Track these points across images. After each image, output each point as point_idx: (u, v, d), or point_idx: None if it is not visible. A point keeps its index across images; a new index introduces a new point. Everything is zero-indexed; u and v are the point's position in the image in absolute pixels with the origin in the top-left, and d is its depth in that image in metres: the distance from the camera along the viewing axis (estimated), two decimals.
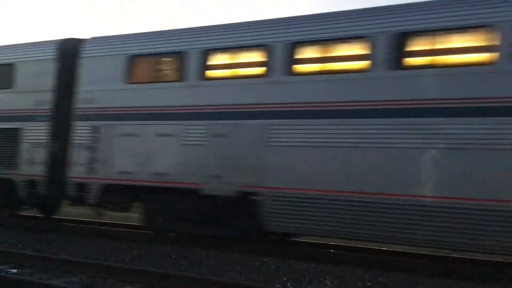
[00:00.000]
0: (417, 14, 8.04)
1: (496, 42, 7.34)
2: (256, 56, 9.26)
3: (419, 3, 8.25)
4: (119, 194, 10.24)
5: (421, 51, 8.02)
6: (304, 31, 8.83)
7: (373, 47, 8.14)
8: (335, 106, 8.31)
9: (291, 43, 8.81)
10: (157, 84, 10.05)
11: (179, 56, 9.81)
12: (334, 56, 8.66)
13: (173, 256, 8.81)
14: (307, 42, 8.75)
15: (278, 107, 8.76)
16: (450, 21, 7.70)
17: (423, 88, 7.75)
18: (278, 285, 7.08)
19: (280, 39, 8.91)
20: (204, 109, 9.38)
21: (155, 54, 10.20)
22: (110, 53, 10.62)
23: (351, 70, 8.42)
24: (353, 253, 9.26)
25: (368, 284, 7.31)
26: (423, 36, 7.93)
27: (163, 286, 6.71)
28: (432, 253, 9.28)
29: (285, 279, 7.42)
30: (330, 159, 8.21)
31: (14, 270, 7.43)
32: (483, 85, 7.33)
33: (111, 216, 12.46)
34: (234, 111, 9.11)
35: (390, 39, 8.02)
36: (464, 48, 7.75)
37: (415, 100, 7.77)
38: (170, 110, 9.69)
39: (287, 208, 8.48)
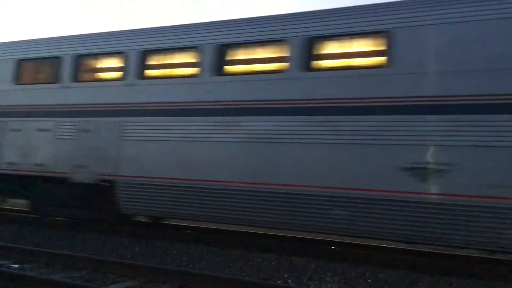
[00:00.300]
0: (232, 30, 9.60)
1: (286, 54, 8.87)
2: (115, 62, 10.69)
3: (237, 20, 9.79)
4: (9, 183, 11.40)
5: (236, 61, 9.55)
6: (152, 41, 10.28)
7: (201, 56, 9.57)
8: (171, 106, 9.75)
9: (142, 51, 10.22)
10: (38, 85, 11.36)
11: (56, 60, 11.13)
12: (172, 63, 10.21)
13: (174, 252, 8.83)
14: (153, 51, 10.20)
15: (130, 107, 10.16)
16: (255, 36, 9.32)
17: (236, 91, 9.19)
18: (279, 282, 7.09)
19: (133, 47, 10.35)
20: (74, 107, 10.75)
21: (37, 59, 11.60)
22: (2, 57, 11.95)
23: (185, 75, 9.88)
24: (354, 250, 9.27)
25: (369, 280, 7.32)
26: (237, 48, 9.49)
27: (164, 281, 6.72)
28: (434, 251, 9.28)
29: (286, 275, 7.44)
30: (166, 151, 9.64)
31: (16, 265, 7.45)
32: (277, 89, 8.82)
33: None
34: (97, 109, 10.49)
35: (214, 50, 9.50)
36: (263, 58, 9.39)
37: (230, 101, 9.22)
38: (48, 108, 11.01)
39: (135, 193, 9.92)
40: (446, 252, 9.17)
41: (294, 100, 8.64)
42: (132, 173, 9.90)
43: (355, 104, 8.20)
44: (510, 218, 7.17)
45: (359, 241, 9.79)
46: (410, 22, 8.08)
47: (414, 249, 9.39)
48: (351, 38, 8.53)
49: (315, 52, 8.73)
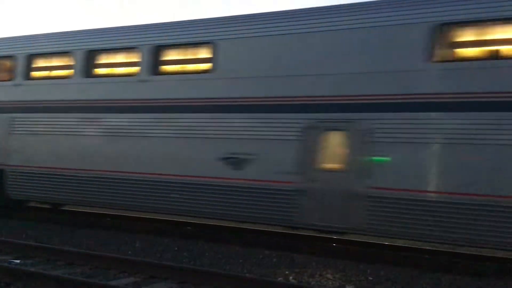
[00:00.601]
0: (98, 37, 11.11)
1: (138, 60, 10.38)
2: (8, 64, 12.01)
3: (103, 28, 11.46)
4: None
5: (102, 64, 11.12)
6: (37, 46, 11.69)
7: (75, 61, 10.99)
8: (51, 103, 11.08)
9: (28, 55, 11.60)
10: None
11: None
12: (53, 66, 11.60)
13: (175, 248, 8.83)
14: (37, 55, 11.63)
15: (18, 104, 11.52)
16: (115, 43, 10.88)
17: (101, 91, 10.64)
18: (280, 278, 7.08)
19: (21, 51, 11.73)
20: None
21: None
22: None
23: (62, 76, 11.28)
24: (355, 247, 9.27)
25: (370, 278, 7.31)
26: (102, 54, 10.98)
27: (165, 278, 6.72)
28: (435, 248, 9.27)
29: (287, 272, 7.44)
30: (46, 144, 10.98)
31: (17, 261, 7.45)
32: (131, 90, 10.29)
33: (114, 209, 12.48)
34: None
35: (83, 55, 10.87)
36: (122, 63, 10.91)
37: (96, 100, 10.64)
38: None
39: (21, 181, 11.23)
40: (447, 250, 9.16)
41: (144, 100, 10.14)
42: (19, 163, 11.30)
43: (189, 104, 9.70)
44: (296, 199, 8.60)
45: (360, 239, 9.78)
46: (229, 35, 9.66)
47: (416, 247, 9.39)
48: (187, 47, 10.17)
49: (161, 59, 10.23)
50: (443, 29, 8.02)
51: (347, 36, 8.66)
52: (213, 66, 9.60)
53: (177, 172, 9.59)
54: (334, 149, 8.58)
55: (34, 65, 11.65)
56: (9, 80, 11.83)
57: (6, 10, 43.88)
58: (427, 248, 9.31)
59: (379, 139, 8.12)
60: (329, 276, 7.31)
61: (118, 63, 10.91)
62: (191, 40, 10.02)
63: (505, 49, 7.80)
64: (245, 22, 9.73)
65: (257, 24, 9.53)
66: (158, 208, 9.98)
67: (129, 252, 8.50)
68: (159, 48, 10.19)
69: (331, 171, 8.48)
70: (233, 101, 9.32)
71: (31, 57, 11.60)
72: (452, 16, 8.02)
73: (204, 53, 9.95)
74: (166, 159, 9.73)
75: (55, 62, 11.63)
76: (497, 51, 7.84)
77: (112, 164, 10.21)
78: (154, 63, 10.18)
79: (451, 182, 7.63)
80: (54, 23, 43.03)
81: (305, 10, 9.37)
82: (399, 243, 9.51)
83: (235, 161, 9.05)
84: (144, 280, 6.66)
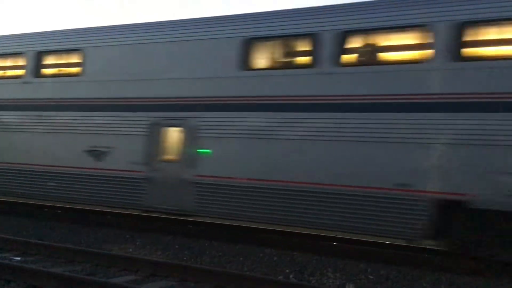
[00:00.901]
0: None
1: (24, 63, 11.83)
2: None
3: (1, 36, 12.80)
4: None
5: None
6: None
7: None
8: None
9: None
10: None
11: None
12: None
13: (176, 246, 8.84)
14: None
15: None
16: (7, 49, 12.25)
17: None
18: (280, 277, 7.09)
19: None
20: None
21: None
22: None
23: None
24: (355, 246, 9.27)
25: (371, 277, 7.32)
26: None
27: (165, 275, 6.73)
28: (435, 247, 9.27)
29: (287, 270, 7.45)
30: None
31: (18, 258, 7.47)
32: (19, 90, 11.71)
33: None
34: None
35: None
36: (12, 66, 12.21)
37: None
38: None
39: None
40: (448, 249, 9.15)
41: (28, 99, 11.54)
42: None
43: (62, 103, 11.07)
44: (143, 186, 10.00)
45: (360, 238, 9.79)
46: (93, 43, 11.12)
47: (416, 246, 9.39)
48: (62, 53, 11.64)
49: (42, 63, 11.68)
50: (252, 42, 9.57)
51: (181, 46, 10.24)
52: (82, 70, 11.12)
53: (54, 162, 11.00)
54: (171, 143, 10.04)
55: None
56: None
57: (6, 9, 43.91)
58: (427, 247, 9.32)
59: (202, 134, 9.66)
60: (329, 274, 7.32)
61: (9, 67, 12.31)
62: (66, 47, 11.55)
63: (299, 60, 9.41)
64: (106, 32, 11.28)
65: (114, 34, 11.10)
66: (38, 195, 11.29)
67: (130, 249, 8.51)
68: (40, 54, 11.73)
69: (169, 161, 9.96)
70: (95, 101, 10.81)
71: None
72: (258, 32, 9.58)
73: (75, 58, 11.38)
74: (44, 151, 11.13)
75: None
76: (291, 61, 9.50)
77: (1, 156, 11.68)
78: (36, 67, 11.69)
79: (254, 170, 9.10)
80: (54, 23, 43.05)
81: (152, 23, 10.98)
82: (400, 242, 9.52)
83: (96, 153, 10.57)
84: (145, 278, 6.68)
